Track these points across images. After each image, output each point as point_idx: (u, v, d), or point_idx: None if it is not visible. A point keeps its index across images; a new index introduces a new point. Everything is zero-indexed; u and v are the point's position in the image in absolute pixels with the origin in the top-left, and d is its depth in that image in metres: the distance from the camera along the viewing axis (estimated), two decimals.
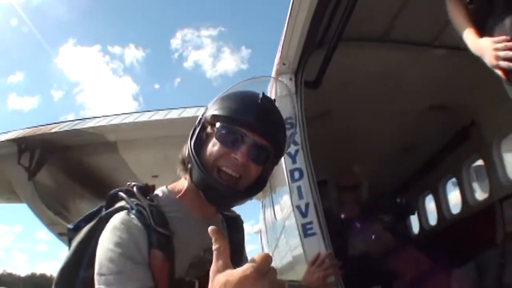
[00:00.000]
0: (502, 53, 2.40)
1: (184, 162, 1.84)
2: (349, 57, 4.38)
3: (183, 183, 1.87)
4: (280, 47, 3.79)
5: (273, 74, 3.98)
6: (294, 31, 3.51)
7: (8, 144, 6.88)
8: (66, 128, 6.87)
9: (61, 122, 7.35)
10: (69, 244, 1.83)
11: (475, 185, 6.06)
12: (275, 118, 1.86)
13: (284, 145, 1.89)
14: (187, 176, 1.81)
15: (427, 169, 7.02)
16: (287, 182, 3.47)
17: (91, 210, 1.89)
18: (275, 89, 3.33)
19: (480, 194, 5.95)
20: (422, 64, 4.75)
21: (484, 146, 5.52)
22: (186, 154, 1.81)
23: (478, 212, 5.76)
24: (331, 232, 3.31)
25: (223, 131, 1.75)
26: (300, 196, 3.41)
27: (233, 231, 2.04)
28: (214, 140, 1.76)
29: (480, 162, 5.88)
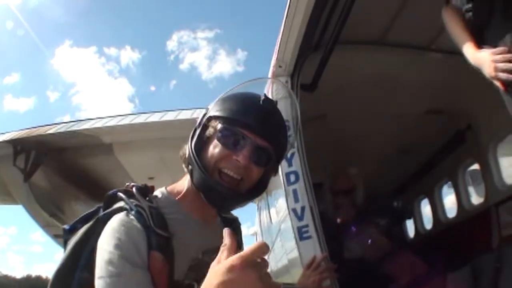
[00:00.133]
0: (501, 65, 2.42)
1: (184, 163, 1.83)
2: (345, 60, 4.38)
3: (182, 184, 1.85)
4: (276, 50, 3.78)
5: (269, 76, 3.97)
6: (291, 33, 3.50)
7: (4, 145, 6.84)
8: (62, 130, 6.83)
9: (57, 123, 7.32)
10: (65, 246, 1.80)
11: (471, 189, 6.07)
12: (277, 120, 1.84)
13: (285, 147, 1.89)
14: (188, 178, 1.80)
15: (423, 173, 7.02)
16: (282, 185, 3.46)
17: (88, 211, 1.87)
18: (271, 91, 3.33)
19: (476, 198, 5.95)
20: (418, 67, 4.75)
21: (480, 150, 5.52)
22: (187, 156, 1.79)
23: (474, 216, 5.76)
24: (326, 236, 3.31)
25: (225, 133, 1.74)
26: (296, 199, 3.40)
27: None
28: (215, 141, 1.75)
29: (476, 166, 5.89)
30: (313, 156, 3.56)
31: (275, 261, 4.97)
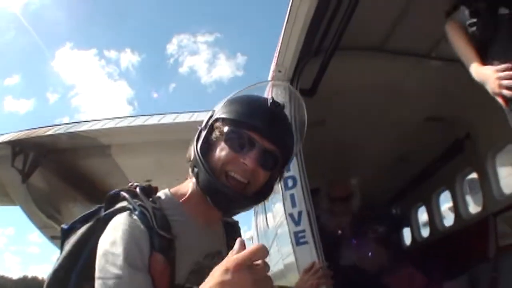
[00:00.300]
0: (505, 82, 2.46)
1: (189, 166, 1.78)
2: (345, 66, 4.38)
3: (186, 186, 1.81)
4: (276, 54, 3.77)
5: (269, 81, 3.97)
6: (291, 38, 3.50)
7: (2, 146, 6.84)
8: (61, 131, 6.84)
9: (56, 125, 7.32)
10: (62, 246, 1.76)
11: (469, 198, 6.07)
12: (284, 123, 1.82)
13: (292, 150, 1.86)
14: (192, 180, 1.76)
15: (421, 181, 7.01)
16: (280, 190, 3.45)
17: (88, 211, 1.82)
18: (271, 95, 3.32)
19: (474, 207, 5.95)
20: (418, 75, 4.74)
21: (478, 159, 5.52)
22: (192, 158, 1.75)
23: (471, 225, 5.75)
24: (323, 242, 3.31)
25: (232, 135, 1.71)
26: (293, 204, 3.40)
27: (231, 238, 1.98)
28: (222, 144, 1.71)
29: (474, 175, 5.89)
30: (311, 161, 3.55)
31: (271, 266, 4.95)
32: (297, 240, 3.29)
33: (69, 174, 7.36)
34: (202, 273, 1.62)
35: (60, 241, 1.80)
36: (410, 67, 4.69)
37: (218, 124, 1.76)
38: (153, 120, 6.90)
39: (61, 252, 1.74)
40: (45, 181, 7.22)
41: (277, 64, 3.78)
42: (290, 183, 3.44)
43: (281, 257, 4.17)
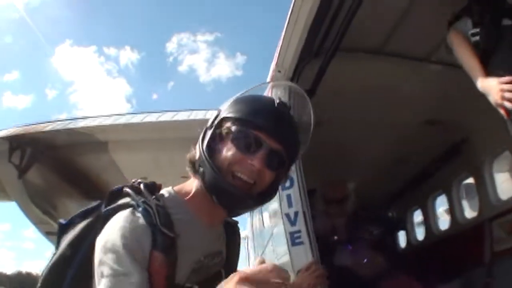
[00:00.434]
0: (507, 94, 2.54)
1: (193, 164, 1.77)
2: (345, 68, 4.37)
3: (190, 185, 1.79)
4: (276, 54, 3.77)
5: (268, 80, 3.96)
6: (292, 39, 3.50)
7: (0, 141, 6.83)
8: (58, 127, 6.80)
9: (54, 121, 7.29)
10: (58, 241, 1.74)
11: (465, 203, 6.08)
12: (291, 124, 1.82)
13: (298, 151, 1.86)
14: (197, 179, 1.75)
15: (417, 184, 7.02)
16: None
17: (88, 206, 1.80)
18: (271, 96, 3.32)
19: (470, 212, 5.96)
20: (417, 78, 4.74)
21: (475, 164, 5.54)
22: (197, 157, 1.74)
23: (467, 229, 5.76)
24: (318, 243, 3.31)
25: (239, 135, 1.70)
26: (290, 204, 3.40)
27: (231, 238, 1.97)
28: (229, 144, 1.70)
29: (470, 180, 5.90)
30: (308, 162, 3.55)
31: None
32: (293, 240, 3.30)
33: (66, 170, 7.33)
34: (202, 272, 1.62)
35: (55, 236, 1.78)
36: (409, 71, 4.70)
37: (224, 123, 1.75)
38: (151, 118, 6.88)
39: (57, 247, 1.72)
40: (41, 177, 7.19)
41: (277, 64, 3.78)
42: (287, 183, 3.42)
43: (276, 257, 4.17)
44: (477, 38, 2.86)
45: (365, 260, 4.36)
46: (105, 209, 1.69)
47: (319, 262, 3.12)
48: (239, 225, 2.09)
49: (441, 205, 6.74)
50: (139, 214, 1.58)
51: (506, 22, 2.79)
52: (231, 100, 1.82)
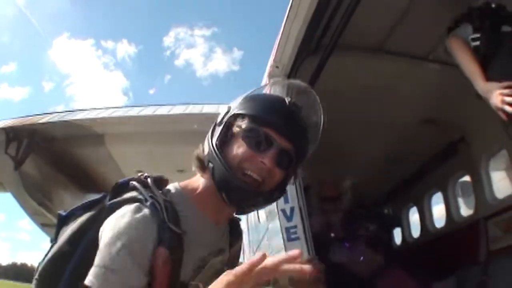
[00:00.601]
0: (508, 99, 2.59)
1: (200, 161, 1.76)
2: (343, 65, 4.37)
3: (197, 181, 1.78)
4: (274, 50, 3.76)
5: (265, 76, 3.96)
6: (290, 34, 3.49)
7: None
8: (55, 119, 6.79)
9: (50, 113, 7.29)
10: (57, 233, 1.70)
11: (460, 201, 6.08)
12: (302, 123, 1.79)
13: (307, 150, 1.84)
14: (205, 176, 1.74)
15: (413, 182, 7.02)
16: None
17: (92, 198, 1.76)
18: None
19: (465, 210, 5.97)
20: (415, 77, 4.75)
21: (472, 162, 5.54)
22: (206, 153, 1.73)
23: (462, 228, 5.77)
24: (313, 239, 3.32)
25: (250, 133, 1.68)
26: (286, 200, 3.40)
27: (234, 235, 1.96)
28: (240, 141, 1.69)
29: (467, 178, 5.91)
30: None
31: None
32: (289, 235, 3.30)
33: (62, 162, 7.33)
34: (205, 269, 1.62)
35: (51, 228, 1.76)
36: (407, 69, 4.71)
37: (235, 120, 1.73)
38: (148, 111, 6.87)
39: (55, 239, 1.69)
40: (37, 169, 7.19)
41: (274, 60, 3.77)
42: None
43: (271, 252, 4.17)
44: (478, 43, 2.91)
45: (362, 258, 4.37)
46: (110, 202, 1.66)
47: (315, 257, 3.11)
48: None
49: (437, 203, 6.74)
50: (146, 209, 1.56)
51: (505, 28, 2.87)
52: (242, 97, 1.81)
